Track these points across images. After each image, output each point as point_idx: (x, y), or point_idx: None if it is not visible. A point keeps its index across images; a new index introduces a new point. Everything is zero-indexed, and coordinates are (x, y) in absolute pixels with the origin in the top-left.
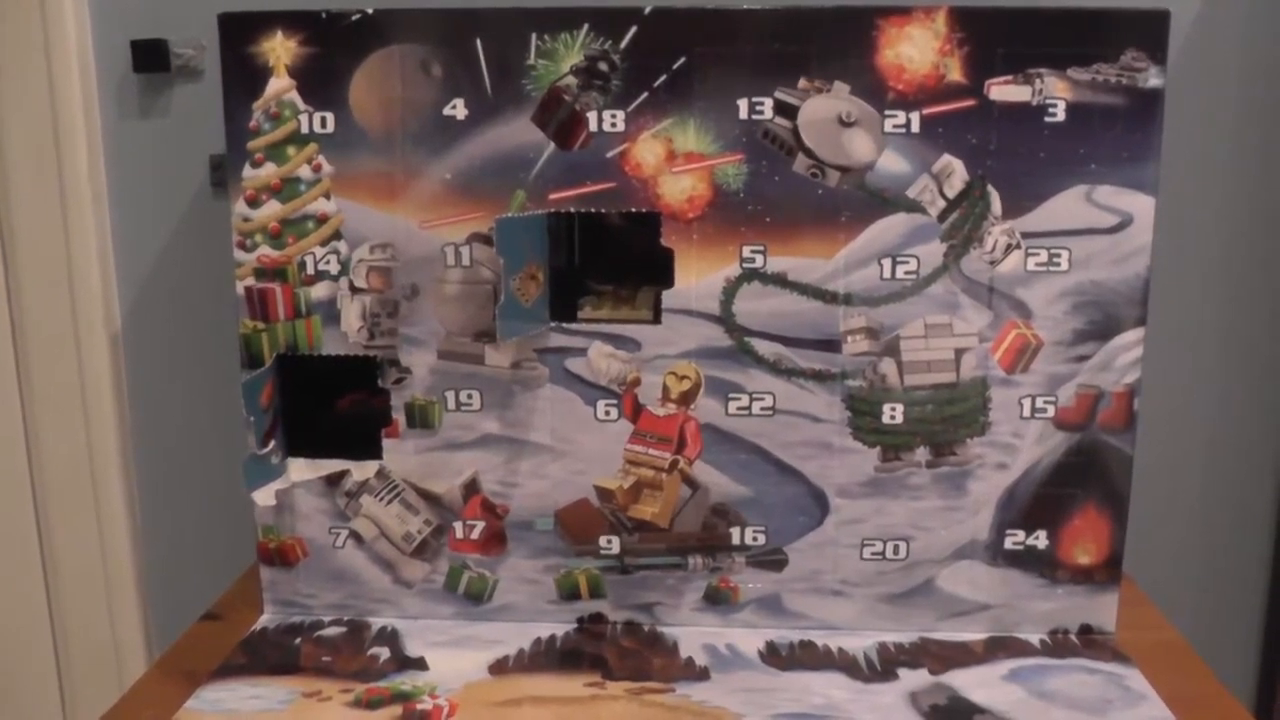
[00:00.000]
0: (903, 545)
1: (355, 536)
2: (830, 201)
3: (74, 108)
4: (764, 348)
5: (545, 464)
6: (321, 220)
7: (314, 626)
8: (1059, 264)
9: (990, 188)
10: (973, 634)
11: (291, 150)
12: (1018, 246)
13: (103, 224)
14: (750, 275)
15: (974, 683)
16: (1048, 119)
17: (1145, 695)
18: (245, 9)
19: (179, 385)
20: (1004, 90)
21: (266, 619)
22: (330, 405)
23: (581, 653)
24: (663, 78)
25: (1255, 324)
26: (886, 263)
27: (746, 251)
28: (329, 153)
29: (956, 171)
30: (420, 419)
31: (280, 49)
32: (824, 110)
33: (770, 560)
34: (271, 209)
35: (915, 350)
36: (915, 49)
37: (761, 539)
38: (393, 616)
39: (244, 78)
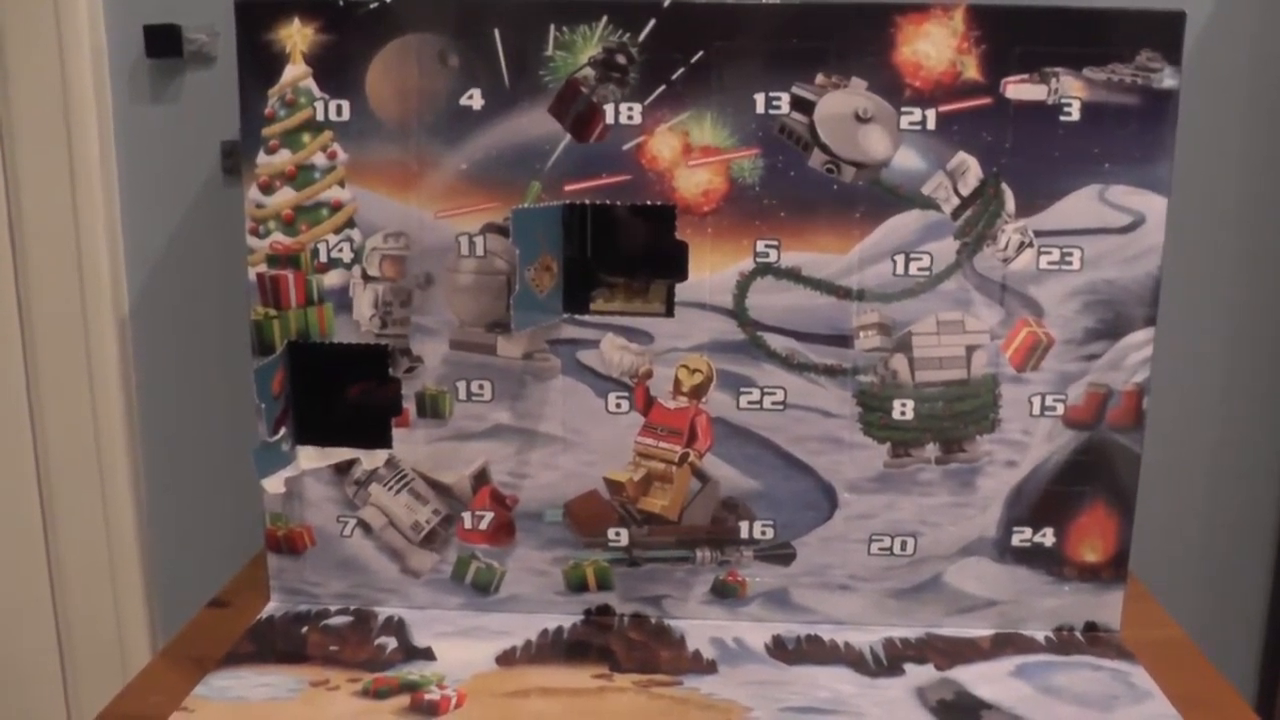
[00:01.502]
0: (911, 541)
1: (363, 525)
2: (845, 197)
3: (85, 92)
4: (776, 342)
5: (555, 455)
6: (335, 208)
7: (321, 615)
8: (1071, 262)
9: (1004, 186)
10: (979, 630)
11: (306, 137)
12: (1030, 245)
13: (113, 209)
14: (764, 270)
15: (980, 678)
16: (1062, 118)
17: (1150, 692)
18: None
19: (187, 371)
20: (1020, 89)
21: (273, 607)
22: (341, 393)
23: (589, 644)
24: (680, 71)
25: (1264, 325)
26: (900, 259)
27: (760, 246)
28: (344, 141)
29: (971, 169)
30: (431, 408)
31: (297, 36)
32: (840, 106)
33: (778, 554)
34: (285, 196)
35: (927, 347)
36: (932, 46)
37: (770, 533)
38: (400, 606)
39: (260, 64)
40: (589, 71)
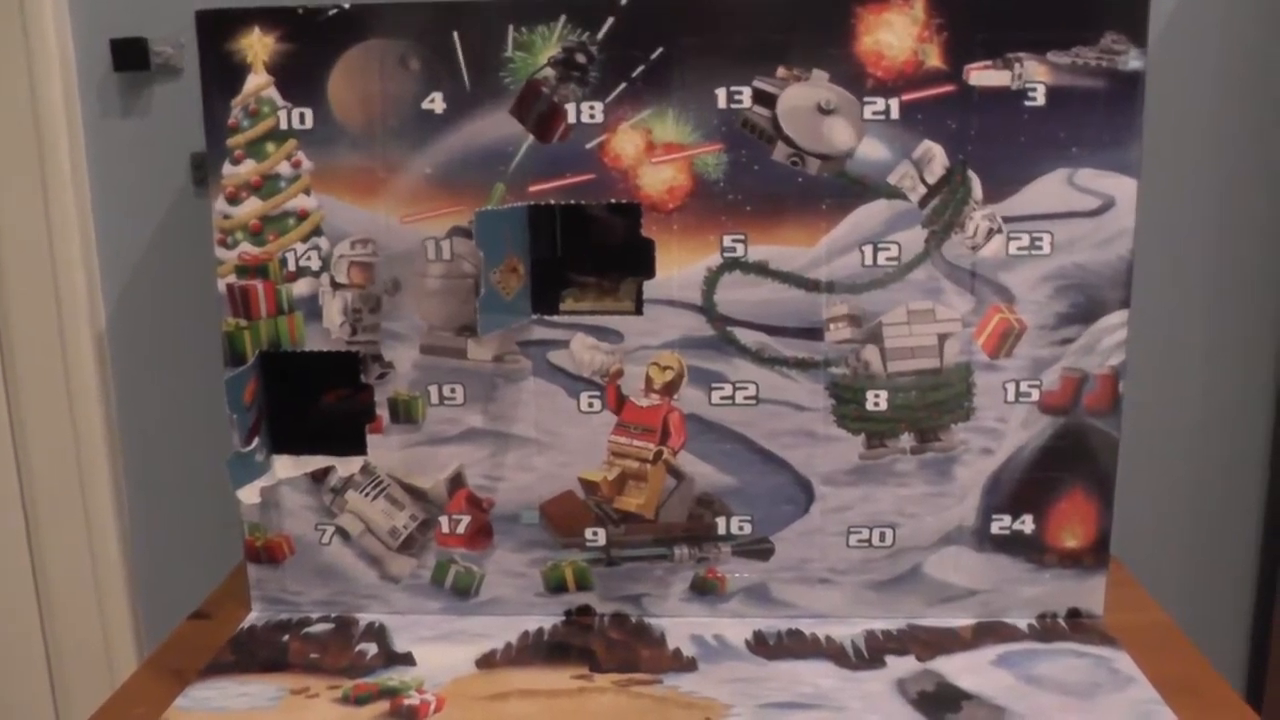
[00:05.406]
0: (889, 532)
1: (341, 533)
2: (811, 189)
3: (55, 107)
4: (746, 337)
5: (530, 457)
6: (302, 216)
7: (302, 623)
8: (1041, 248)
9: (971, 173)
10: (960, 620)
11: (271, 147)
12: (999, 231)
13: (85, 223)
14: (731, 264)
15: (962, 669)
16: (1028, 103)
17: (1133, 678)
18: (222, 5)
19: (164, 384)
20: (983, 75)
21: (254, 616)
22: (314, 402)
23: (569, 645)
24: (641, 68)
25: (1239, 305)
26: (868, 250)
27: (727, 241)
28: (308, 148)
29: (937, 157)
30: (404, 414)
31: (258, 45)
32: (803, 98)
33: (757, 549)
34: (252, 206)
35: (898, 337)
36: (893, 35)
37: (747, 528)
38: (380, 612)
39: (222, 75)
40: (549, 71)
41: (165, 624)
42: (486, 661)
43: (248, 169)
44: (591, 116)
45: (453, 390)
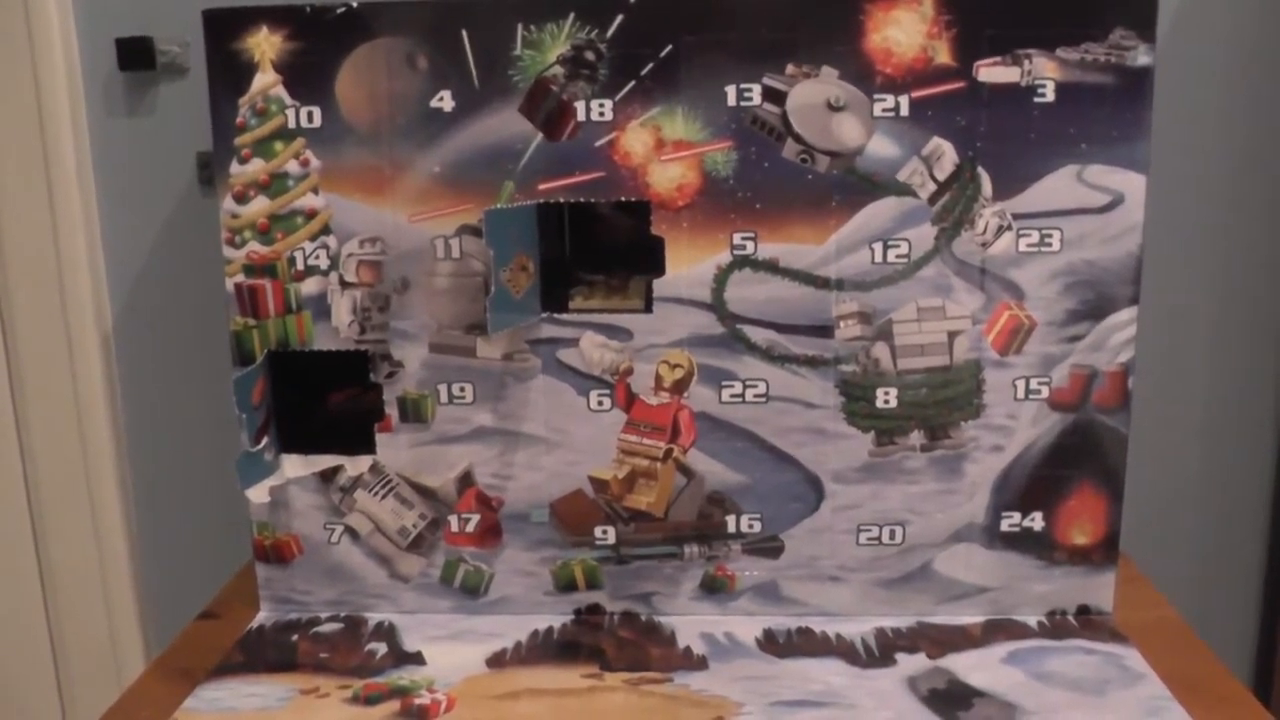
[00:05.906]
0: (899, 530)
1: (350, 532)
2: (820, 187)
3: (60, 107)
4: (756, 334)
5: (539, 455)
6: (310, 215)
7: (311, 623)
8: (1051, 244)
9: (980, 169)
10: (970, 617)
11: (279, 145)
12: (1009, 228)
13: (91, 224)
14: (741, 262)
15: (972, 666)
16: (1037, 99)
17: (1144, 674)
18: (229, 4)
19: (171, 384)
20: (992, 72)
21: (263, 616)
22: (322, 401)
23: (579, 644)
24: (650, 66)
25: (1247, 301)
26: (878, 247)
27: (737, 238)
28: (316, 147)
29: (946, 154)
30: (413, 412)
31: (265, 44)
32: (812, 95)
33: (766, 547)
34: (260, 205)
35: (908, 334)
36: (902, 32)
37: (757, 526)
38: (389, 611)
39: (230, 74)
40: (558, 69)
41: (173, 624)
42: (497, 660)
43: (255, 168)
44: (601, 114)
45: (462, 389)
